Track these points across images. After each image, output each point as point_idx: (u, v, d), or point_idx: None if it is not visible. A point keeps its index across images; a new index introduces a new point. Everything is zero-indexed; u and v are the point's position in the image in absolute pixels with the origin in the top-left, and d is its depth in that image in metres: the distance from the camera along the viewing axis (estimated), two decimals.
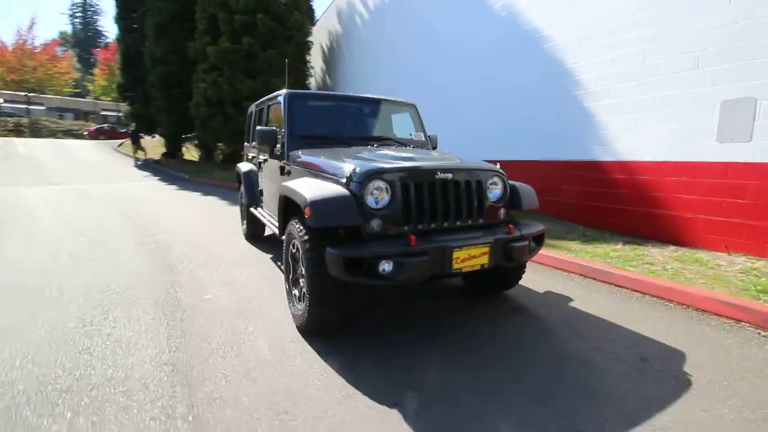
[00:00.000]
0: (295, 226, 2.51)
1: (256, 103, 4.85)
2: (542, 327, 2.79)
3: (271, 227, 3.69)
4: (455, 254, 2.33)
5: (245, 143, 5.63)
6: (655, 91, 4.68)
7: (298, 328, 2.63)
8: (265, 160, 4.04)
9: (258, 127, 3.45)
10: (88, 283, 3.51)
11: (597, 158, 5.40)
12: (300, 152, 3.20)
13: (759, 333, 2.67)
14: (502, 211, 2.85)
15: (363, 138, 3.64)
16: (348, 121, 3.87)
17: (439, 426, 1.78)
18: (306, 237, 2.38)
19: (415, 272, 2.20)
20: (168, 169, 16.26)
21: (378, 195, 2.38)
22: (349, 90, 13.14)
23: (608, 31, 5.16)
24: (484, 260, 2.46)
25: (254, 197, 4.78)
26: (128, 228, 5.88)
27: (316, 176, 2.77)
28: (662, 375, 2.19)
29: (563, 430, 1.76)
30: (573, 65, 5.68)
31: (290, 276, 2.83)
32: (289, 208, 2.89)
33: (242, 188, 5.08)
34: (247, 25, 12.46)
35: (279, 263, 4.19)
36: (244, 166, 5.10)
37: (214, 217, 7.03)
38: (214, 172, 14.19)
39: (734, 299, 2.95)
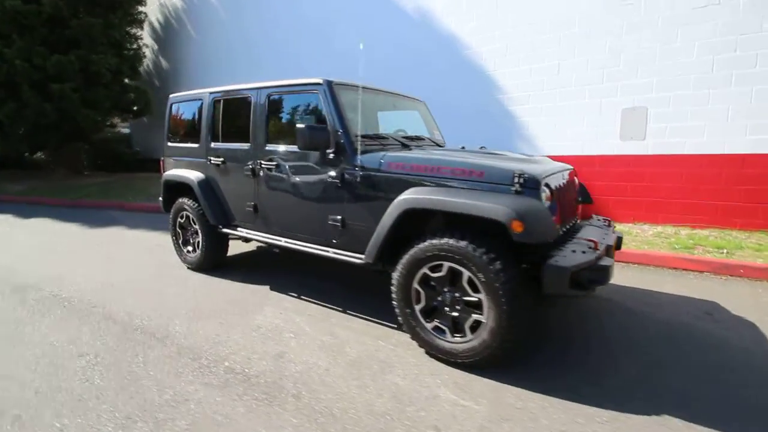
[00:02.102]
0: (465, 247, 2.09)
1: (221, 89, 3.62)
2: (621, 308, 3.08)
3: (316, 252, 2.94)
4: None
5: (168, 143, 4.21)
6: (569, 99, 5.77)
7: (465, 365, 2.22)
8: (274, 168, 3.14)
9: (302, 125, 2.64)
10: (41, 390, 2.06)
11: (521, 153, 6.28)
12: (383, 155, 2.63)
13: (721, 278, 3.73)
14: (580, 206, 3.09)
15: (407, 137, 3.27)
16: (380, 117, 3.39)
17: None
18: (492, 256, 2.03)
19: (611, 276, 2.18)
20: None
21: (546, 200, 2.24)
22: (206, 79, 11.20)
23: (527, 44, 6.03)
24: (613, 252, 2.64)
25: (224, 215, 3.67)
26: None
27: (441, 184, 2.35)
28: (733, 322, 2.83)
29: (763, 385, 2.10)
30: (494, 72, 6.41)
31: (418, 307, 2.36)
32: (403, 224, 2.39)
33: (193, 204, 3.81)
34: None
35: (291, 294, 3.37)
36: (190, 174, 3.82)
37: (88, 249, 5.02)
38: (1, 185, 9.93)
39: (692, 256, 4.01)
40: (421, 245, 2.26)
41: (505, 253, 2.08)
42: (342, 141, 2.72)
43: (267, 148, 3.20)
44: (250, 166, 3.31)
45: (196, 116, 3.83)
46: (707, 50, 4.75)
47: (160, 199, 4.37)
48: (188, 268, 4.08)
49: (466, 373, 2.21)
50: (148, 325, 2.83)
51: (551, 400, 1.98)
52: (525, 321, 2.07)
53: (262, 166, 3.21)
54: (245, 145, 3.37)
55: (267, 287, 3.56)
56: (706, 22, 4.74)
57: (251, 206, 3.39)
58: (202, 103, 3.76)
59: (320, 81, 2.85)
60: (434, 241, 2.21)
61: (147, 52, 13.11)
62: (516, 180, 2.16)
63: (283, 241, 3.22)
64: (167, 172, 4.11)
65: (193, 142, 3.89)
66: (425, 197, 2.26)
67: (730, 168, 4.77)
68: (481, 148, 3.26)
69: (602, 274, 2.11)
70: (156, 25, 12.96)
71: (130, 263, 4.33)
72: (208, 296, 3.36)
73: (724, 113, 4.74)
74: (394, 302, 2.45)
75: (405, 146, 3.04)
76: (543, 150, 6.06)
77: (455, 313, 2.25)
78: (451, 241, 2.15)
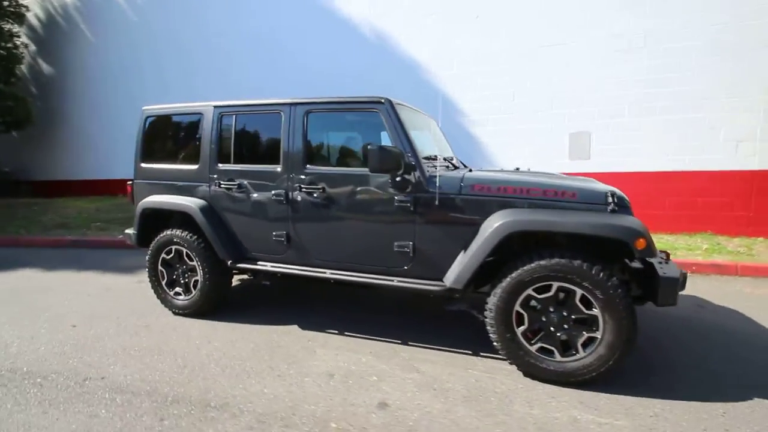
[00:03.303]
0: (581, 265, 2.13)
1: (233, 103, 3.11)
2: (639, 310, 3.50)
3: (376, 282, 2.70)
4: None
5: (143, 164, 3.51)
6: (523, 123, 6.40)
7: (579, 383, 2.23)
8: (318, 192, 2.81)
9: (374, 146, 2.43)
10: None
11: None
12: (463, 177, 2.56)
13: None
14: None
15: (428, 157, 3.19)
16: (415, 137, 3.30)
17: None
18: (608, 272, 2.12)
19: None
20: None
21: None
22: (114, 88, 9.69)
23: (483, 72, 6.54)
24: None
25: (237, 247, 3.17)
26: None
27: (533, 205, 2.39)
28: (724, 311, 3.39)
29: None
30: (453, 95, 6.79)
31: (520, 330, 2.33)
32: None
33: (189, 236, 3.20)
34: None
35: (330, 330, 3.04)
36: (187, 201, 3.22)
37: (7, 303, 3.85)
38: None
39: None
40: (527, 267, 2.25)
41: (613, 269, 2.20)
42: (412, 162, 2.59)
43: (307, 169, 2.87)
44: (282, 191, 2.93)
45: (193, 133, 3.27)
46: (633, 85, 5.75)
47: (129, 232, 3.60)
48: (176, 313, 3.39)
49: (581, 391, 2.23)
50: (185, 393, 2.26)
51: (669, 403, 2.11)
52: (636, 332, 2.20)
53: (302, 189, 2.86)
54: (274, 167, 2.97)
55: (294, 326, 3.15)
56: (632, 62, 5.74)
57: (282, 236, 2.98)
58: (201, 119, 3.22)
59: (382, 100, 2.68)
60: (542, 263, 2.22)
61: (24, 53, 10.81)
62: (610, 200, 2.31)
63: (328, 273, 2.89)
64: (147, 199, 3.39)
65: (187, 163, 3.29)
66: (537, 219, 2.26)
67: (658, 183, 5.78)
68: (526, 169, 3.40)
69: (684, 282, 2.36)
70: (34, 21, 10.79)
71: (83, 316, 3.42)
72: (232, 346, 2.83)
73: (652, 138, 5.76)
74: (489, 327, 2.38)
75: (453, 167, 3.02)
76: (500, 167, 6.59)
77: (560, 333, 2.27)
78: (563, 261, 2.18)
